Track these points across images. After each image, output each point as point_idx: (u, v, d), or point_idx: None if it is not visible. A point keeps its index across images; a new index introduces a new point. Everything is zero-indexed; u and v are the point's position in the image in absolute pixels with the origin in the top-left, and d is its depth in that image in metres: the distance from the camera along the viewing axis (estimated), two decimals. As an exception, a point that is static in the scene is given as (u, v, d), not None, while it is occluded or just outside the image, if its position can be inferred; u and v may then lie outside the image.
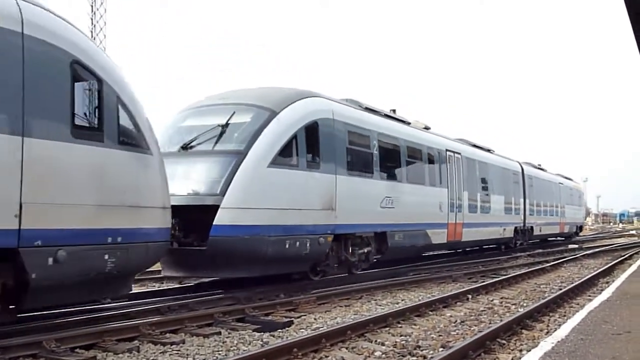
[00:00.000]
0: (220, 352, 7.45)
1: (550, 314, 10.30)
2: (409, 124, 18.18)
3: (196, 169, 11.20)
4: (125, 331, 7.93)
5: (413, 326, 9.20)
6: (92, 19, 34.66)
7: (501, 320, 9.26)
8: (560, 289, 13.12)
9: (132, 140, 8.26)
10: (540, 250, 27.28)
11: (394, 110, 17.88)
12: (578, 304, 11.42)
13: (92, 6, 35.00)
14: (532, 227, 29.82)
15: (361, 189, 14.33)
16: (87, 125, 7.65)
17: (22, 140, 6.66)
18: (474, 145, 23.67)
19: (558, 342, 6.88)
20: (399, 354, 7.36)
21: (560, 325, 8.44)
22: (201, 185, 11.00)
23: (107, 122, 7.83)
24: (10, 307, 7.17)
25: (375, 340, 8.06)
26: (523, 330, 8.78)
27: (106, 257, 7.72)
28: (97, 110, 7.77)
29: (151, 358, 7.17)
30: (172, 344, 7.69)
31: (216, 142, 11.64)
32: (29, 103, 6.79)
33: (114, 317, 8.89)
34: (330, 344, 7.60)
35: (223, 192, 10.83)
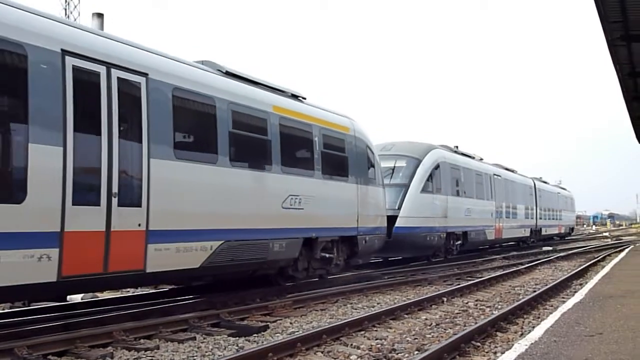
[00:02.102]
0: (195, 358, 7.40)
1: (524, 316, 10.41)
2: (473, 157, 27.08)
3: None
4: (99, 337, 7.85)
5: (389, 329, 9.23)
6: (65, 10, 33.81)
7: (476, 323, 9.32)
8: (535, 291, 13.26)
9: (378, 180, 15.88)
10: (515, 253, 27.66)
11: (456, 147, 26.40)
12: (552, 306, 11.55)
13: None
14: (541, 229, 38.44)
15: (458, 204, 23.13)
16: (371, 175, 15.32)
17: (357, 186, 14.40)
18: (506, 169, 32.74)
19: (532, 344, 6.93)
20: (374, 357, 7.39)
21: (534, 328, 8.51)
22: (386, 204, 17.61)
23: (375, 172, 15.67)
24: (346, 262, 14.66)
25: (351, 344, 8.07)
26: (497, 333, 8.86)
27: (376, 240, 15.31)
28: (372, 167, 15.47)
29: (125, 364, 7.10)
30: (146, 349, 7.61)
31: (391, 178, 19.97)
32: (360, 169, 14.67)
33: (86, 323, 8.76)
34: (306, 348, 7.60)
35: (399, 207, 19.54)
